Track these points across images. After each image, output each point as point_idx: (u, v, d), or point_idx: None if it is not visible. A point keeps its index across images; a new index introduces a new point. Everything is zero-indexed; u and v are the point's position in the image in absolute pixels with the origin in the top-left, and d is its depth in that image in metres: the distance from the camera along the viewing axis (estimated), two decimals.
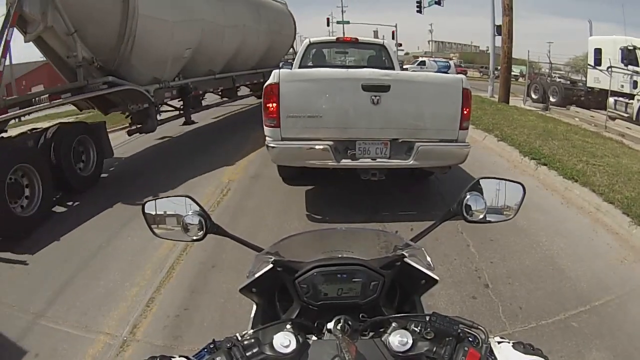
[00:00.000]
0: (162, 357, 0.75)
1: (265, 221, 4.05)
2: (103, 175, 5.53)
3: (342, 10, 38.40)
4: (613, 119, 10.88)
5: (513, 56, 12.81)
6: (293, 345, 0.77)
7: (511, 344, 0.78)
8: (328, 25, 32.78)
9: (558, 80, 15.07)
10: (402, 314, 0.89)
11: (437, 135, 3.83)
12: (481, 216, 1.10)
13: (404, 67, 11.14)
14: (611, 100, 11.32)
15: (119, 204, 4.52)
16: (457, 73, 16.20)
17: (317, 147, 3.70)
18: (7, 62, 4.99)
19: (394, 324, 0.82)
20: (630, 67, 11.12)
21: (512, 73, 14.70)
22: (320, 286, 0.89)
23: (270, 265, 0.92)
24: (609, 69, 11.35)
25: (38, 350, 2.41)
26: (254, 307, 0.99)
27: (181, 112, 7.44)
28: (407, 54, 46.29)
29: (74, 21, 4.59)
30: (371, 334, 0.85)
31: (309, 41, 6.19)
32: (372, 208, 4.23)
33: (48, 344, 2.46)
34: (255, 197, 4.70)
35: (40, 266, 3.38)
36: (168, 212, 1.12)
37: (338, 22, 33.72)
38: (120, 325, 2.62)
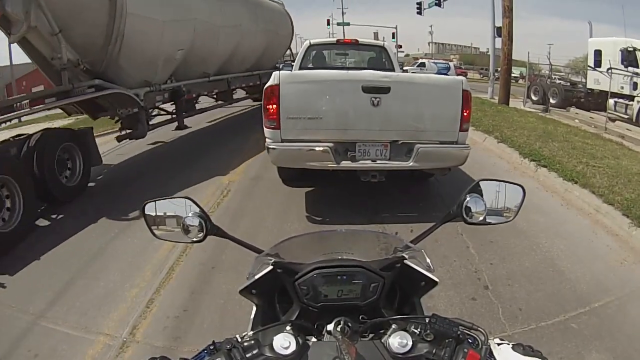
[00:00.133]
0: (161, 358, 0.76)
1: (265, 222, 4.06)
2: (90, 184, 5.23)
3: (342, 12, 38.42)
4: (613, 120, 10.88)
5: (513, 58, 12.83)
6: (293, 347, 0.77)
7: (511, 346, 0.78)
8: (328, 25, 32.88)
9: (558, 81, 15.08)
10: (402, 316, 0.89)
11: (437, 137, 3.84)
12: (481, 218, 1.11)
13: (404, 68, 11.13)
14: (611, 101, 11.33)
15: (106, 217, 4.22)
16: (457, 75, 16.24)
17: (317, 148, 3.71)
18: (8, 62, 5.02)
19: (393, 326, 0.82)
20: (630, 68, 11.13)
21: (512, 75, 14.71)
22: (320, 288, 0.89)
23: (270, 267, 0.92)
24: (609, 71, 11.35)
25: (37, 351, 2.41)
26: (254, 308, 0.99)
27: (174, 116, 7.16)
28: (407, 55, 46.38)
29: (59, 21, 4.36)
30: (371, 335, 0.85)
31: (309, 43, 6.20)
32: (372, 210, 4.23)
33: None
34: (255, 199, 4.70)
35: (19, 289, 3.07)
36: (168, 214, 1.12)
37: (338, 24, 33.75)
38: (120, 326, 2.61)
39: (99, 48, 4.85)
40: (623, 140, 8.35)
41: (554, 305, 2.73)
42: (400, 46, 34.48)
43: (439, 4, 19.90)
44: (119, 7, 4.74)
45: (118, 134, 5.98)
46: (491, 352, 0.76)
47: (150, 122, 6.38)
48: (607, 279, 3.08)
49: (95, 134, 5.58)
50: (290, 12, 11.53)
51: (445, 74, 16.08)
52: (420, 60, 31.46)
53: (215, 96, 8.77)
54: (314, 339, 0.85)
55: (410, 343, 0.78)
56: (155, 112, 6.91)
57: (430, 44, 55.50)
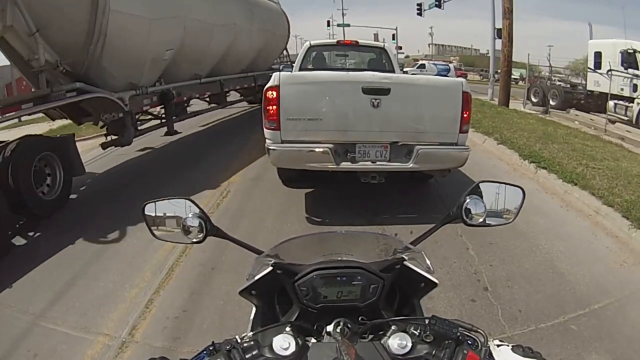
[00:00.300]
0: (161, 358, 0.76)
1: (264, 223, 4.06)
2: (72, 196, 4.80)
3: (342, 13, 38.48)
4: (613, 122, 10.89)
5: (513, 59, 12.86)
6: (292, 348, 0.77)
7: (510, 347, 0.78)
8: (328, 26, 32.91)
9: (558, 83, 15.12)
10: (401, 317, 0.90)
11: (437, 138, 3.84)
12: (481, 219, 1.11)
13: (404, 70, 11.14)
14: (611, 103, 11.33)
15: (89, 233, 3.86)
16: (457, 76, 16.30)
17: (317, 149, 3.71)
18: (8, 62, 4.91)
19: (393, 327, 0.82)
20: (630, 70, 11.14)
21: (512, 76, 14.72)
22: (319, 289, 0.89)
23: (270, 268, 0.92)
24: (609, 72, 11.36)
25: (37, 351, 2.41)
26: (254, 309, 0.99)
27: (163, 120, 6.69)
28: (407, 56, 46.40)
29: (36, 19, 3.98)
30: (370, 336, 0.86)
31: (310, 44, 6.20)
32: (371, 211, 4.23)
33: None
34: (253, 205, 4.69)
35: None
36: (168, 214, 1.12)
37: (338, 25, 33.81)
38: (119, 327, 2.61)
39: (79, 48, 4.46)
40: (623, 142, 8.35)
41: (553, 307, 2.73)
42: (401, 47, 34.53)
43: (439, 6, 19.95)
44: (101, 3, 4.37)
45: (104, 140, 5.59)
46: (491, 354, 0.77)
47: (139, 128, 6.01)
48: (607, 280, 3.08)
49: (83, 137, 5.22)
50: (290, 13, 11.41)
51: (445, 76, 16.12)
52: (420, 62, 31.55)
53: (207, 99, 8.29)
54: (313, 340, 0.85)
55: (409, 344, 0.78)
56: (144, 116, 6.54)
57: (431, 46, 55.71)
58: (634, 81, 11.02)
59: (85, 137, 7.50)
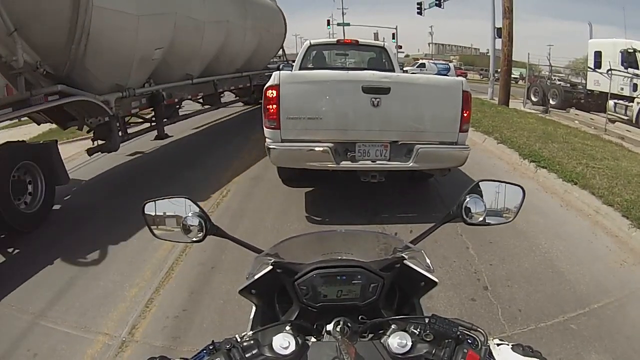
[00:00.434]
0: (161, 357, 0.76)
1: (264, 223, 4.06)
2: (56, 207, 4.44)
3: (342, 12, 38.47)
4: (613, 121, 10.89)
5: (513, 59, 12.85)
6: (292, 347, 0.77)
7: (510, 346, 0.78)
8: (328, 25, 32.87)
9: (558, 82, 15.09)
10: (401, 316, 0.90)
11: (437, 137, 3.84)
12: (481, 219, 1.11)
13: (404, 69, 11.14)
14: (611, 103, 11.33)
15: (61, 258, 3.44)
16: (457, 75, 16.27)
17: (317, 149, 3.71)
18: None
19: (393, 326, 0.82)
20: (630, 69, 11.14)
21: (512, 76, 14.72)
22: (319, 288, 0.89)
23: (270, 267, 0.92)
24: (609, 72, 11.36)
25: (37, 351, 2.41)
26: (253, 308, 0.99)
27: (153, 124, 6.33)
28: (407, 56, 46.46)
29: (14, 17, 3.69)
30: (370, 335, 0.85)
31: (310, 43, 6.20)
32: (371, 210, 4.23)
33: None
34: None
35: None
36: (168, 213, 1.12)
37: (339, 24, 33.76)
38: (119, 326, 2.61)
39: (61, 48, 4.11)
40: (623, 141, 8.36)
41: (553, 306, 2.73)
42: (401, 47, 34.56)
43: (439, 5, 19.95)
44: None
45: (91, 145, 5.20)
46: (491, 353, 0.76)
47: (128, 131, 5.70)
48: (607, 280, 3.08)
49: (69, 140, 4.89)
50: (290, 12, 11.47)
51: (445, 75, 16.09)
52: (420, 61, 31.52)
53: (200, 100, 7.89)
54: (313, 339, 0.85)
55: (409, 343, 0.78)
56: (134, 119, 6.21)
57: (430, 45, 55.70)
58: (634, 80, 11.02)
59: (72, 140, 7.18)
